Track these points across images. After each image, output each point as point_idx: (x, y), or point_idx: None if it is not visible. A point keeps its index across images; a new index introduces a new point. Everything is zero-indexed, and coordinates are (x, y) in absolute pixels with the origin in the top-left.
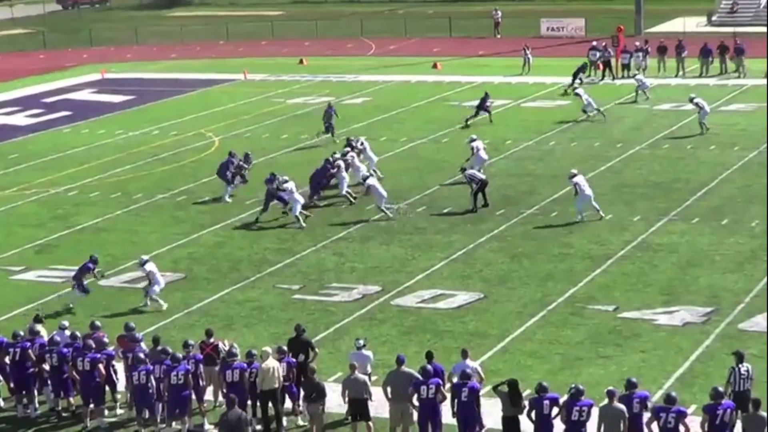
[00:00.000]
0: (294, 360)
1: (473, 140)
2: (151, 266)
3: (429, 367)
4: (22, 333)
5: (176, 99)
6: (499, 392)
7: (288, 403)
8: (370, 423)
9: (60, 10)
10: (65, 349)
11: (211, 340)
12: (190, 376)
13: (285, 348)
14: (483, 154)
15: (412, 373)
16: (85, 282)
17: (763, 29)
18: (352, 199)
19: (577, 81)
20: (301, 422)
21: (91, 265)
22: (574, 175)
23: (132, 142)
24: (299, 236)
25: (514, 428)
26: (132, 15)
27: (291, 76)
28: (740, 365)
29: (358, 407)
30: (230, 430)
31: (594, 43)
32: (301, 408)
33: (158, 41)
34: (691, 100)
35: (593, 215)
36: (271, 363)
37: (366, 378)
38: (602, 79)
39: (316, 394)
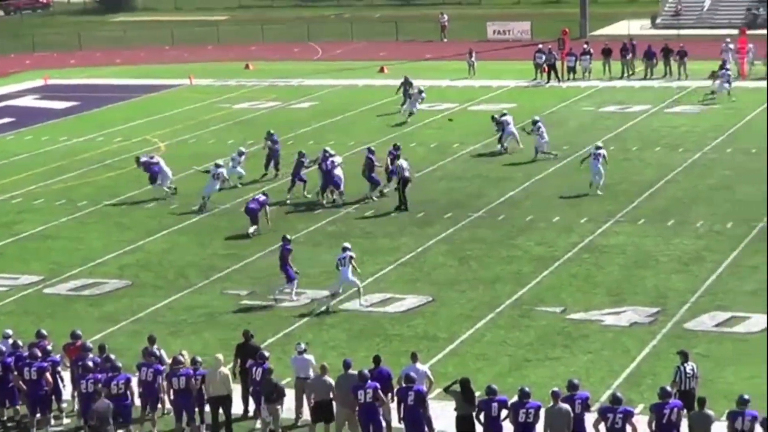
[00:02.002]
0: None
1: (504, 115)
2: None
3: (365, 371)
4: None
5: (121, 105)
6: (452, 392)
7: (237, 409)
8: (331, 425)
9: (1, 16)
10: (9, 359)
11: (155, 346)
12: (132, 384)
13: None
14: (512, 129)
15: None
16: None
17: (706, 32)
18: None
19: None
20: (259, 425)
21: (289, 247)
22: (599, 148)
23: (77, 148)
24: (247, 242)
25: (468, 427)
26: (75, 20)
27: (237, 81)
28: (685, 364)
29: (324, 409)
30: (98, 419)
31: (540, 46)
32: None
33: (102, 46)
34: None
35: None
36: (221, 370)
37: (332, 381)
38: (548, 82)
39: (276, 395)
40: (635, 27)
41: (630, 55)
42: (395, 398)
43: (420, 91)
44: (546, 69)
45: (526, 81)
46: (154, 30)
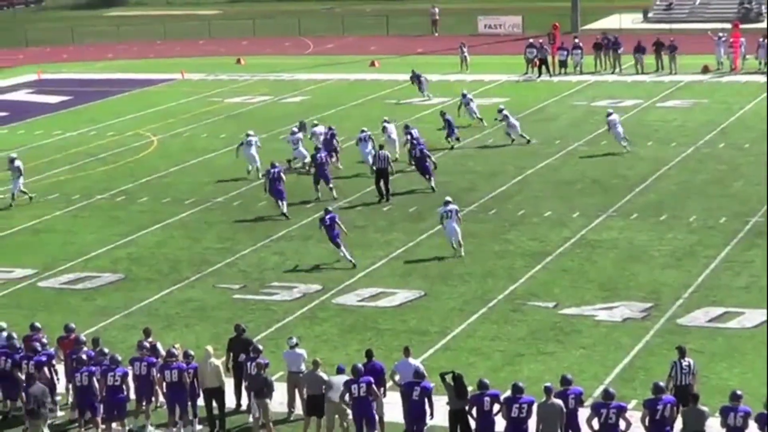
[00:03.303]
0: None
1: (501, 110)
2: None
3: (359, 365)
4: None
5: (114, 99)
6: (445, 386)
7: (230, 402)
8: (323, 420)
9: None
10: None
11: (149, 339)
12: (128, 378)
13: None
14: (514, 121)
15: (324, 377)
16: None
17: (698, 26)
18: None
19: None
20: (251, 419)
21: (335, 215)
22: (610, 114)
23: (70, 142)
24: (239, 235)
25: (461, 421)
26: (68, 15)
27: (229, 75)
28: (682, 360)
29: (317, 403)
30: (35, 402)
31: (530, 40)
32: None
33: (94, 41)
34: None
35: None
36: (212, 361)
37: (325, 375)
38: (539, 76)
39: (266, 390)
40: (627, 21)
41: (621, 49)
42: (392, 392)
43: (464, 95)
44: (537, 63)
45: (517, 75)
46: (146, 25)
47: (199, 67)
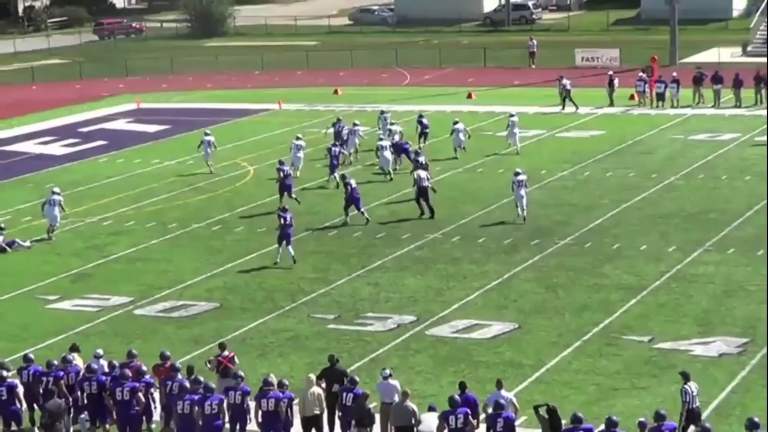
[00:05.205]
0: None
1: (456, 122)
2: None
3: (456, 396)
4: (56, 362)
5: (211, 129)
6: (539, 418)
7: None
8: None
9: (96, 41)
10: (103, 377)
11: (225, 352)
12: (224, 405)
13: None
14: (462, 136)
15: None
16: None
17: None
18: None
19: None
20: None
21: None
22: (512, 116)
23: (167, 171)
24: (334, 266)
25: None
26: (167, 45)
27: (326, 106)
28: (689, 384)
29: None
30: (50, 416)
31: (610, 73)
32: None
33: (193, 71)
34: (454, 123)
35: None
36: (313, 390)
37: (415, 406)
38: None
39: (368, 420)
40: (726, 54)
41: (723, 83)
42: (484, 425)
43: (456, 122)
44: (635, 96)
45: (614, 108)
46: (245, 55)
47: (296, 97)
